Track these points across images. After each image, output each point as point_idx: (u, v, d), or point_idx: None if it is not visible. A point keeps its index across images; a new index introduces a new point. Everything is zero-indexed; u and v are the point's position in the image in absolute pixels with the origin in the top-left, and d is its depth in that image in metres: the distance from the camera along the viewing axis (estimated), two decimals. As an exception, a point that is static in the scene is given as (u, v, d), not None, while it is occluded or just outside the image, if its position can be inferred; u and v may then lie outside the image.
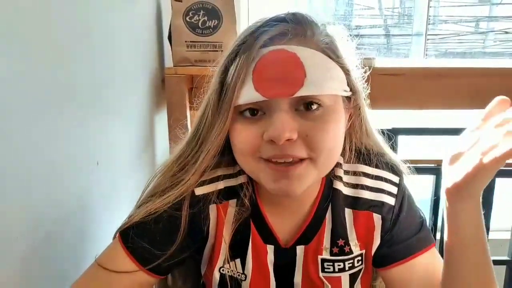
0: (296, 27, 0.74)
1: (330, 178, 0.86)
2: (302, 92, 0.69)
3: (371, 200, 0.85)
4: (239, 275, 0.86)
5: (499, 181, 1.65)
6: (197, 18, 1.55)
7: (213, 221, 0.85)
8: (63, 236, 0.89)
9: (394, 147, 0.91)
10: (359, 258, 0.87)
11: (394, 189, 0.86)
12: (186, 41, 1.55)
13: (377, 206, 0.85)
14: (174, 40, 1.56)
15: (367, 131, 0.86)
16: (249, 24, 0.78)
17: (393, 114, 1.78)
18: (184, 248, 0.84)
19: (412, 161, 1.65)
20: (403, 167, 0.90)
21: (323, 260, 0.85)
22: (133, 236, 0.81)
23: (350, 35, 0.82)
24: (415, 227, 0.87)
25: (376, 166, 0.87)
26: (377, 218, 0.85)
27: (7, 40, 0.67)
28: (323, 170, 0.77)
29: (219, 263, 0.86)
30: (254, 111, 0.73)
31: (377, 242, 0.87)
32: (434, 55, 2.27)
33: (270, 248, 0.85)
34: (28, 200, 0.73)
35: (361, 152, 0.88)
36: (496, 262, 1.80)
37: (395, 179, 0.87)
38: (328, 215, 0.85)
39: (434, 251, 0.87)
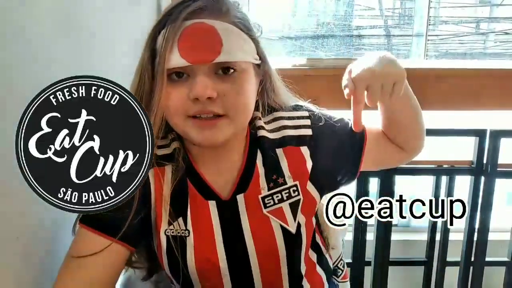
0: (213, 3, 0.85)
1: (253, 131, 0.97)
2: (219, 59, 0.80)
3: (295, 136, 0.97)
4: (182, 232, 0.92)
5: (499, 182, 1.65)
6: (197, 18, 1.55)
7: (153, 187, 0.92)
8: (63, 236, 0.89)
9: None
10: (294, 188, 0.95)
11: (307, 121, 0.98)
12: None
13: (301, 139, 0.97)
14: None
15: (276, 90, 0.99)
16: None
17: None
18: (139, 212, 0.88)
19: (412, 162, 1.66)
20: (311, 106, 1.02)
21: (263, 198, 0.94)
22: (93, 215, 0.84)
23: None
24: (346, 136, 0.99)
25: (288, 110, 1.01)
26: (304, 150, 0.96)
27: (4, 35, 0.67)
28: (238, 124, 0.88)
29: (163, 226, 0.92)
30: (180, 74, 0.83)
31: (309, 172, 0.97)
32: (435, 56, 2.26)
33: (212, 204, 0.93)
34: (27, 199, 0.72)
35: (274, 109, 1.01)
36: (495, 263, 1.81)
37: (304, 113, 0.99)
38: (259, 161, 0.95)
39: (370, 137, 1.01)
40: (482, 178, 1.66)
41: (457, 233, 1.77)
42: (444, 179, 1.70)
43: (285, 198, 0.94)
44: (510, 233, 1.77)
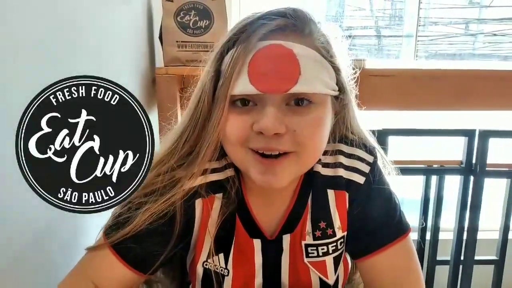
0: (295, 23, 0.74)
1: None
2: (295, 89, 0.70)
3: (345, 179, 0.84)
4: (221, 270, 0.85)
5: (487, 181, 1.67)
6: (188, 18, 1.55)
7: (199, 216, 0.84)
8: (62, 236, 0.88)
9: (384, 148, 0.92)
10: (342, 240, 0.86)
11: (366, 168, 0.84)
12: (177, 41, 1.55)
13: (348, 184, 0.84)
14: (165, 40, 1.56)
15: (352, 128, 0.86)
16: (249, 14, 0.78)
17: (383, 115, 1.79)
18: (176, 244, 0.83)
19: (402, 162, 1.67)
20: (381, 152, 0.89)
21: (307, 245, 0.85)
22: (129, 245, 0.78)
23: (344, 36, 0.83)
24: (384, 217, 0.86)
25: (352, 145, 0.86)
26: (347, 197, 0.85)
27: None
28: (306, 165, 0.78)
29: (202, 257, 0.85)
30: (246, 102, 0.74)
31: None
32: (424, 56, 2.29)
33: (257, 242, 0.85)
34: (27, 199, 0.72)
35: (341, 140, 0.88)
36: (484, 262, 1.83)
37: (369, 158, 0.85)
38: (310, 200, 0.85)
39: (405, 244, 0.85)
40: (471, 178, 1.68)
41: (447, 232, 1.79)
42: (434, 178, 1.72)
43: (330, 252, 0.85)
44: (498, 232, 1.79)
